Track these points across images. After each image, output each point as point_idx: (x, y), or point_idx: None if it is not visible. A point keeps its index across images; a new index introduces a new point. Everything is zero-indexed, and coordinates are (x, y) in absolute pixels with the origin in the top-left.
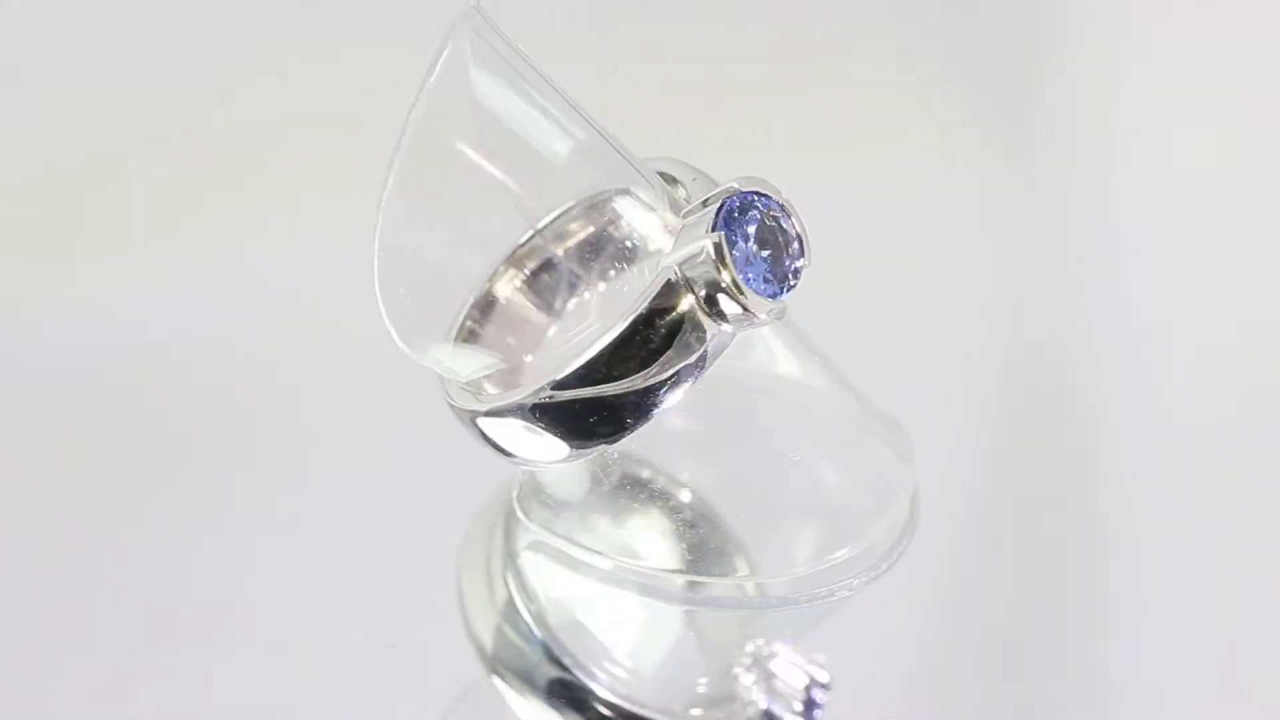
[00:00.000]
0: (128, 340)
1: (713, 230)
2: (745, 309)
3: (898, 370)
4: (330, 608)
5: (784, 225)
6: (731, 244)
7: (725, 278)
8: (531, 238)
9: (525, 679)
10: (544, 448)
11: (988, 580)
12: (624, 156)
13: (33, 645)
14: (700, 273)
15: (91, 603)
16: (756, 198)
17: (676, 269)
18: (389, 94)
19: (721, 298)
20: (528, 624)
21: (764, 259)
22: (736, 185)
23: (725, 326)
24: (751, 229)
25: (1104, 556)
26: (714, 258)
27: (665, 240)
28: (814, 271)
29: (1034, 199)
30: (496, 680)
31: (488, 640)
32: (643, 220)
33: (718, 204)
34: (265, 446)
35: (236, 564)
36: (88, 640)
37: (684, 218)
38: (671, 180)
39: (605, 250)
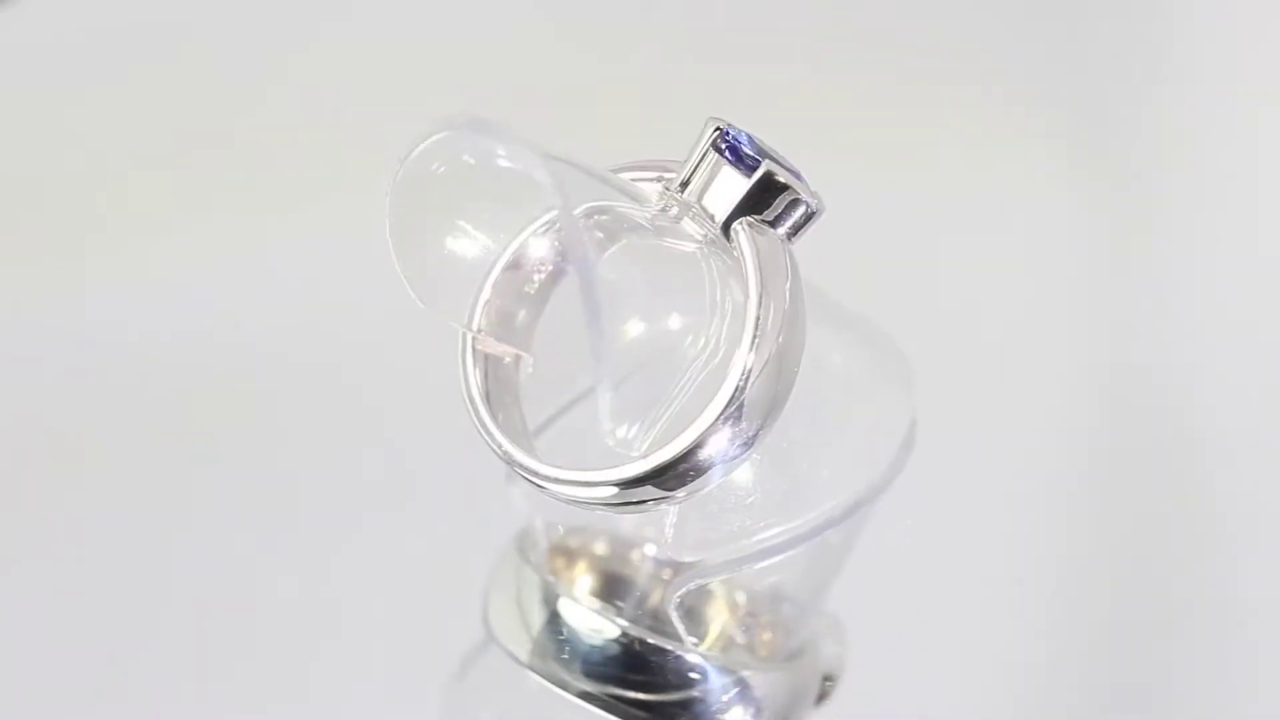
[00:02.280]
0: (140, 351)
1: (733, 161)
2: (812, 209)
3: (975, 372)
4: (346, 625)
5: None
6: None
7: (791, 183)
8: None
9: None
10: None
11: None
12: (597, 178)
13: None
14: (760, 200)
15: (93, 625)
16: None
17: (743, 218)
18: (391, 96)
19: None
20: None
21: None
22: (719, 125)
23: (790, 232)
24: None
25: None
26: (778, 179)
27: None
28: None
29: (1123, 207)
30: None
31: (523, 655)
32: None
33: (719, 143)
34: (277, 454)
35: (244, 573)
36: (90, 661)
37: (689, 177)
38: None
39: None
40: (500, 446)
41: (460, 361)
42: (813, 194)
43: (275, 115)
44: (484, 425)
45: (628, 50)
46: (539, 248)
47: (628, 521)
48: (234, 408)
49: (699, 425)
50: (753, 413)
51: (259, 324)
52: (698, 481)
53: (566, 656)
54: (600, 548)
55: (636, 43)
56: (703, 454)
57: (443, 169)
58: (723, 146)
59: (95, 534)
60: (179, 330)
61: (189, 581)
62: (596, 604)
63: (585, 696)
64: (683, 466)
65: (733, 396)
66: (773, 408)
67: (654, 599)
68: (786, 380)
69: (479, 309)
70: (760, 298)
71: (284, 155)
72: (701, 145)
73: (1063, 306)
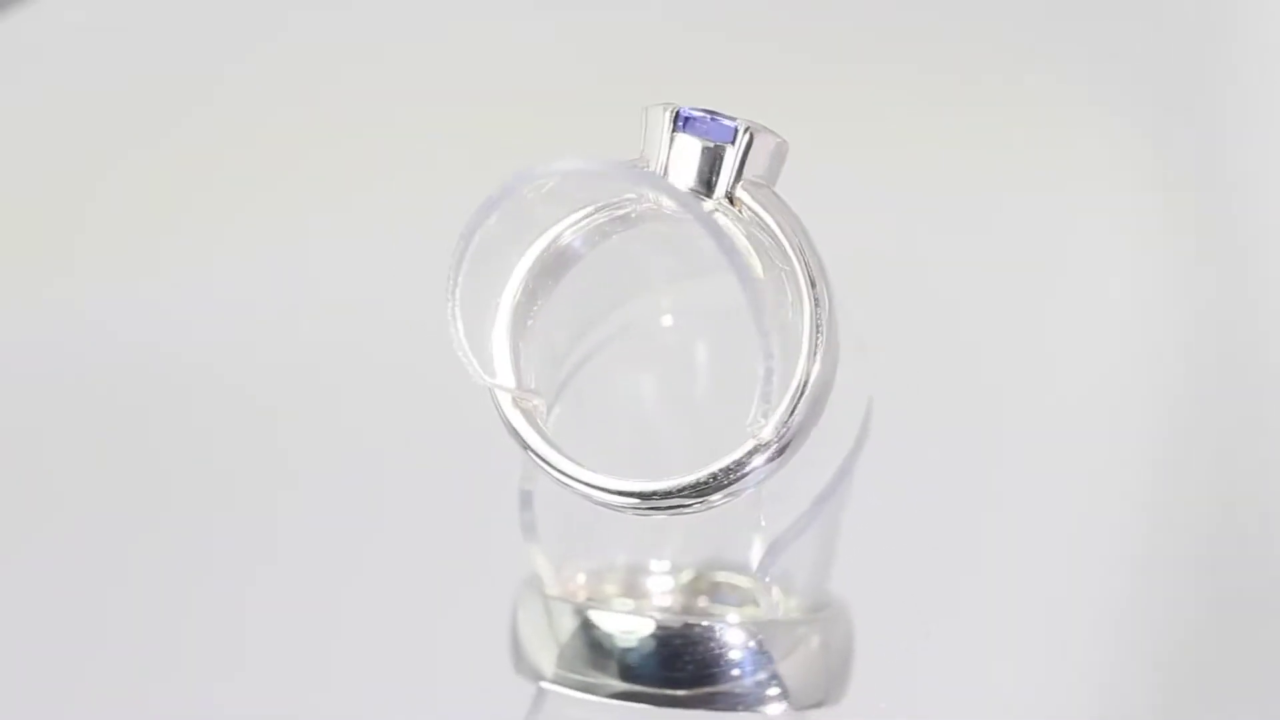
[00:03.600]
0: (141, 358)
1: (702, 134)
2: (785, 148)
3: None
4: (354, 649)
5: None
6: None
7: (764, 131)
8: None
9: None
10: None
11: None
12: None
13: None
14: (746, 159)
15: (85, 637)
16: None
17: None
18: (383, 98)
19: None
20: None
21: None
22: (669, 107)
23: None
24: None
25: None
26: (756, 128)
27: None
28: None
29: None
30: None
31: (548, 670)
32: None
33: (680, 123)
34: (290, 463)
35: (249, 582)
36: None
37: (665, 165)
38: None
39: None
40: (574, 476)
41: (507, 419)
42: (774, 133)
43: (271, 117)
44: (557, 466)
45: (618, 43)
46: (538, 268)
47: (627, 547)
48: (231, 419)
49: (747, 446)
50: (803, 420)
51: (260, 331)
52: (737, 486)
53: (599, 660)
54: (612, 588)
55: (626, 34)
56: (749, 468)
57: (506, 238)
58: (684, 124)
59: (88, 546)
60: (178, 337)
61: (182, 602)
62: (630, 604)
63: (621, 696)
64: (732, 477)
65: (793, 406)
66: (814, 413)
67: (681, 599)
68: (829, 376)
69: (520, 365)
70: (814, 298)
71: (281, 157)
72: (664, 131)
73: (1128, 302)
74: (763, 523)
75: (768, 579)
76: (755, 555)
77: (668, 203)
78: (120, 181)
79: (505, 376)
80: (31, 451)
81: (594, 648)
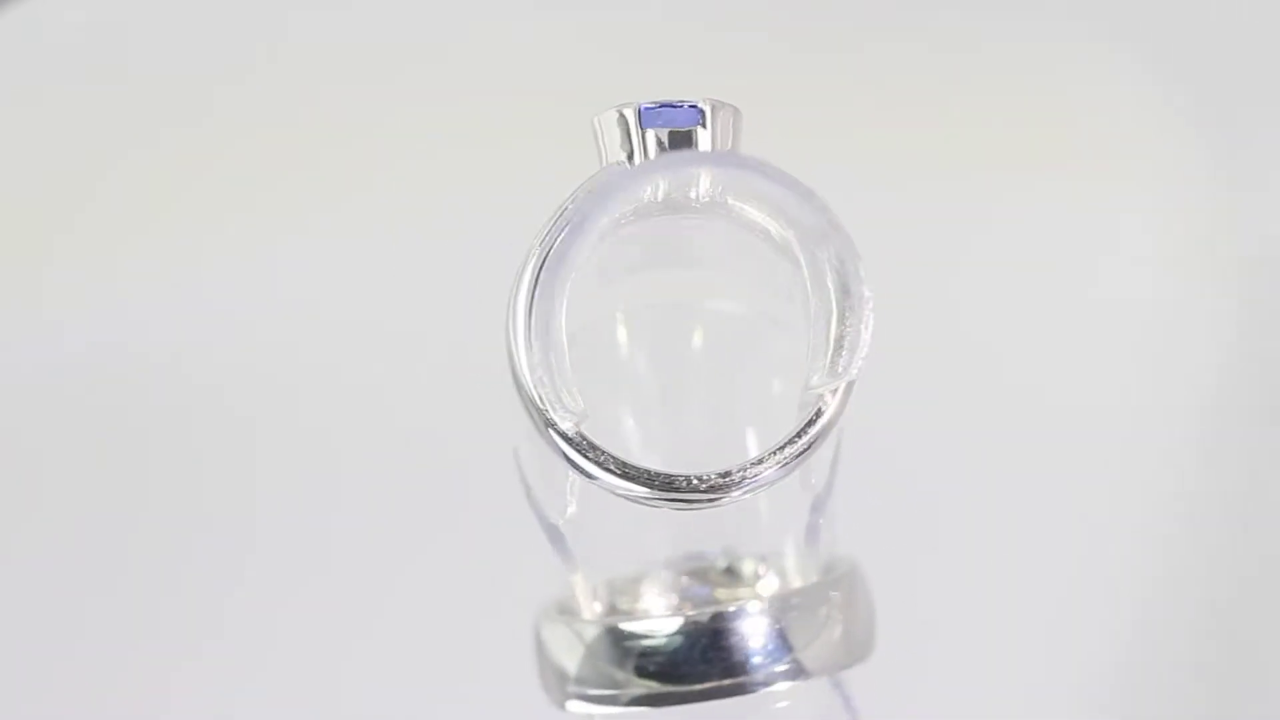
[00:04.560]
0: (139, 365)
1: (669, 123)
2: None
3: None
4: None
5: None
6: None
7: (726, 104)
8: None
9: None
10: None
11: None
12: None
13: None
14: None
15: (82, 654)
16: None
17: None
18: (383, 98)
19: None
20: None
21: None
22: (630, 107)
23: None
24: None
25: None
26: (716, 104)
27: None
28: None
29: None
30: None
31: (572, 668)
32: None
33: (647, 119)
34: (289, 464)
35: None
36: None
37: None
38: None
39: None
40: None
41: (575, 458)
42: (728, 104)
43: (270, 117)
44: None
45: (619, 43)
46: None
47: (634, 554)
48: (232, 420)
49: (768, 451)
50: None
51: (259, 331)
52: (755, 483)
53: (628, 665)
54: (626, 596)
55: (627, 34)
56: (763, 474)
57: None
58: (651, 119)
59: (89, 548)
60: (177, 338)
61: (184, 608)
62: (648, 606)
63: (650, 699)
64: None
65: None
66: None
67: (697, 593)
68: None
69: (563, 385)
70: (841, 312)
71: (280, 157)
72: (631, 132)
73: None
74: (813, 480)
75: (820, 546)
76: (781, 530)
77: (664, 195)
78: (118, 182)
79: (560, 401)
80: (28, 451)
81: (624, 655)
